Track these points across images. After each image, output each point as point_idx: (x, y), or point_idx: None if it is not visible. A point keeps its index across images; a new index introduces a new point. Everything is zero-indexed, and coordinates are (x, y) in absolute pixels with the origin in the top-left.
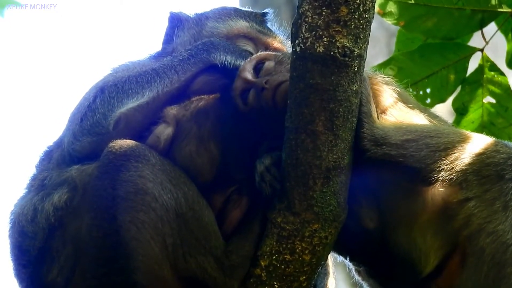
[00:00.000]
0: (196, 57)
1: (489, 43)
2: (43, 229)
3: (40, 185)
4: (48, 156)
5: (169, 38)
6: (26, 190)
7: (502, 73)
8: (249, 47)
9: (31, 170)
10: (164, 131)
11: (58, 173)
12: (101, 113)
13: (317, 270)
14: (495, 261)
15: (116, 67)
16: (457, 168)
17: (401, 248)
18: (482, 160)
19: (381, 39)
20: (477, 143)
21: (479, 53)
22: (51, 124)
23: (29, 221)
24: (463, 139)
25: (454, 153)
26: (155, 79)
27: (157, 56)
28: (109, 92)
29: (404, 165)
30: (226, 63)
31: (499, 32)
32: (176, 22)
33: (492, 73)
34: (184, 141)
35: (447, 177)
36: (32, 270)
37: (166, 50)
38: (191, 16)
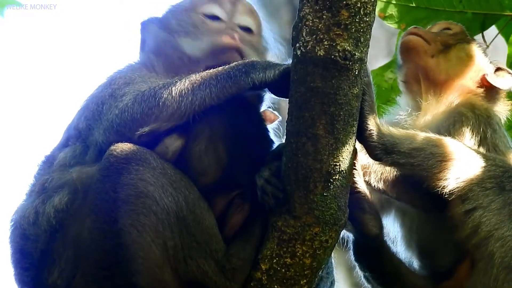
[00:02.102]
0: (234, 79)
1: (489, 46)
2: (45, 232)
3: (41, 189)
4: (48, 161)
5: (143, 44)
6: (27, 196)
7: None
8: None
9: (31, 178)
10: (173, 143)
11: (60, 175)
12: (134, 119)
13: (318, 274)
14: (504, 264)
15: (113, 75)
16: (463, 179)
17: (407, 254)
18: (484, 172)
19: (381, 40)
20: (477, 156)
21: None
22: (51, 124)
23: (30, 224)
24: (464, 152)
25: (459, 164)
26: (189, 97)
27: (143, 60)
28: (143, 101)
29: (411, 173)
30: (263, 80)
31: (499, 35)
32: (148, 24)
33: None
34: (195, 142)
35: (453, 187)
36: (35, 273)
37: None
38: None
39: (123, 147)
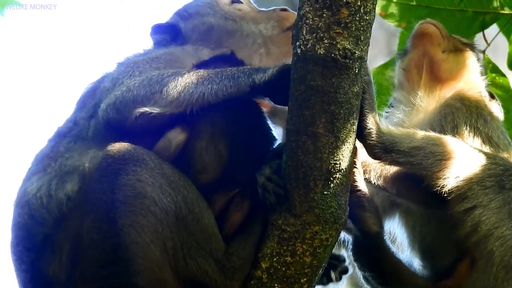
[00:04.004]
0: (237, 80)
1: (490, 45)
2: (54, 218)
3: (58, 168)
4: (68, 134)
5: (161, 42)
6: (43, 170)
7: (503, 75)
8: None
9: (46, 145)
10: (177, 137)
11: (79, 156)
12: (135, 100)
13: (318, 272)
14: (504, 263)
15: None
16: (462, 177)
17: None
18: (484, 171)
19: (381, 40)
20: (477, 155)
21: (480, 55)
22: (50, 124)
23: (43, 206)
24: (464, 150)
25: (459, 162)
26: (190, 90)
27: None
28: (149, 85)
29: (411, 172)
30: (263, 78)
31: (499, 34)
32: (172, 25)
33: (494, 74)
34: (196, 139)
35: (452, 186)
36: (35, 255)
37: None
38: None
39: (120, 147)
